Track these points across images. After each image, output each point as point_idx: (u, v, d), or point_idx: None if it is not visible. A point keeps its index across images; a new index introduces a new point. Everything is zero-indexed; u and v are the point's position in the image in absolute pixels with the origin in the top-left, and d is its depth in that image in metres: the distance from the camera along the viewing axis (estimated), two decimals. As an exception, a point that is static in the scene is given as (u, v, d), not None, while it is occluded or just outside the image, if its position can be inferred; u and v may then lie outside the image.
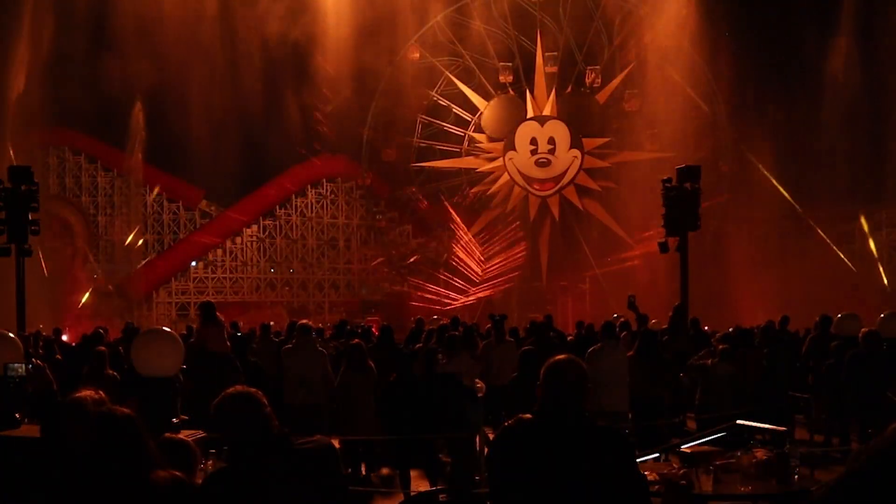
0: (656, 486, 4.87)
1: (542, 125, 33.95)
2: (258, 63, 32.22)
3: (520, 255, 33.29)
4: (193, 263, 36.64)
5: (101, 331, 13.61)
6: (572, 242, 34.41)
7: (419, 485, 8.34)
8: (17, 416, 5.73)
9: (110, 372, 9.23)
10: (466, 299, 32.23)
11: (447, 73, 34.62)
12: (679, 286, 15.41)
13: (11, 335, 8.07)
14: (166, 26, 30.25)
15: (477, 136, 34.96)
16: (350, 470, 8.96)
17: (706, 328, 15.96)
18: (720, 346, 10.21)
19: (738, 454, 5.35)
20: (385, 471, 9.50)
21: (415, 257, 34.16)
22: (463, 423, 8.08)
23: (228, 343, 9.68)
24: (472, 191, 34.77)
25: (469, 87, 34.70)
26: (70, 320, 28.73)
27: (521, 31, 34.60)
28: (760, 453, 5.29)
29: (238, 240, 36.94)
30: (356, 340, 11.09)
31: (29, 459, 3.71)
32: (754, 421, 5.89)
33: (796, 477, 5.23)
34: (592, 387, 3.55)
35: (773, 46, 30.66)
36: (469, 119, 34.95)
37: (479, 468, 7.63)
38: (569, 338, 14.29)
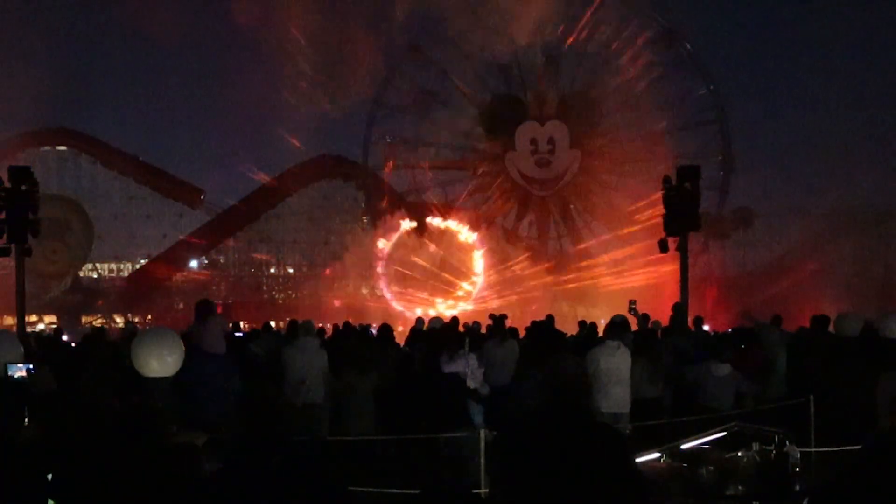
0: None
1: (542, 125, 33.93)
2: (258, 63, 32.34)
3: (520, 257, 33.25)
4: (194, 263, 36.66)
5: (102, 330, 13.61)
6: (574, 242, 34.42)
7: (419, 485, 8.33)
8: (18, 416, 5.72)
9: (111, 372, 9.21)
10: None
11: (449, 74, 34.61)
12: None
13: (13, 335, 8.08)
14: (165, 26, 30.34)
15: (477, 135, 34.95)
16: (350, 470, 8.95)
17: (707, 327, 15.95)
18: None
19: (738, 454, 5.35)
20: None
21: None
22: (465, 423, 8.08)
23: (225, 343, 9.60)
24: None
25: (470, 86, 34.69)
26: (70, 318, 28.73)
27: (521, 32, 34.61)
28: (760, 453, 5.29)
29: (238, 239, 36.96)
30: (356, 340, 11.11)
31: (30, 460, 3.71)
32: (754, 421, 5.89)
33: (796, 477, 5.23)
34: (592, 387, 3.56)
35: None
36: (469, 119, 34.93)
37: (480, 468, 7.62)
38: (569, 338, 14.24)
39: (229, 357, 8.47)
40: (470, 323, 16.31)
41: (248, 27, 31.61)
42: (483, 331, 13.43)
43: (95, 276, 38.38)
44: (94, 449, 2.98)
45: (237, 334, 13.48)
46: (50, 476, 3.41)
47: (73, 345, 15.54)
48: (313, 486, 3.22)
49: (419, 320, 15.29)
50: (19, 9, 29.63)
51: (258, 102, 33.24)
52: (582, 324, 16.01)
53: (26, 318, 19.48)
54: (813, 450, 8.61)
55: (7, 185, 15.74)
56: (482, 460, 7.42)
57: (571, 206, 35.29)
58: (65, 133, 36.66)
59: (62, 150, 37.21)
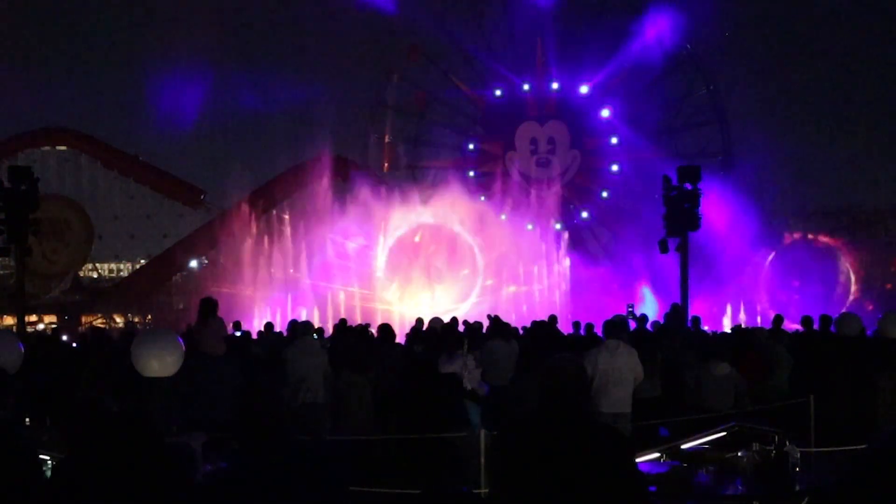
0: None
1: (542, 125, 33.93)
2: (259, 64, 32.33)
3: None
4: (194, 263, 36.61)
5: (102, 330, 13.60)
6: (575, 241, 34.38)
7: (419, 485, 8.32)
8: (17, 416, 5.73)
9: (110, 372, 9.19)
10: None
11: (449, 74, 34.60)
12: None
13: (13, 334, 8.07)
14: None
15: (477, 135, 34.94)
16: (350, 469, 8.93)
17: (706, 327, 15.96)
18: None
19: (738, 454, 5.35)
20: None
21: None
22: (463, 423, 8.07)
23: (225, 344, 9.56)
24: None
25: (469, 87, 34.68)
26: (70, 318, 28.72)
27: (521, 32, 34.62)
28: (760, 453, 5.29)
29: (238, 239, 36.92)
30: (355, 340, 11.12)
31: (29, 459, 3.71)
32: (754, 421, 5.89)
33: (796, 477, 5.23)
34: (592, 387, 3.55)
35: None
36: (469, 119, 34.93)
37: (479, 469, 7.62)
38: (569, 337, 14.23)
39: (229, 358, 8.47)
40: (471, 322, 16.27)
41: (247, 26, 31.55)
42: (482, 331, 13.42)
43: (95, 276, 38.37)
44: (90, 449, 2.98)
45: (237, 334, 13.49)
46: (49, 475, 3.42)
47: (73, 345, 15.56)
48: (313, 486, 3.21)
49: (419, 320, 15.25)
50: (20, 9, 29.64)
51: (258, 102, 33.21)
52: (576, 324, 15.97)
53: (26, 318, 19.49)
54: (813, 450, 8.60)
55: (7, 185, 15.74)
56: (482, 461, 7.41)
57: (571, 206, 35.29)
58: (65, 133, 36.65)
59: (62, 150, 37.20)
